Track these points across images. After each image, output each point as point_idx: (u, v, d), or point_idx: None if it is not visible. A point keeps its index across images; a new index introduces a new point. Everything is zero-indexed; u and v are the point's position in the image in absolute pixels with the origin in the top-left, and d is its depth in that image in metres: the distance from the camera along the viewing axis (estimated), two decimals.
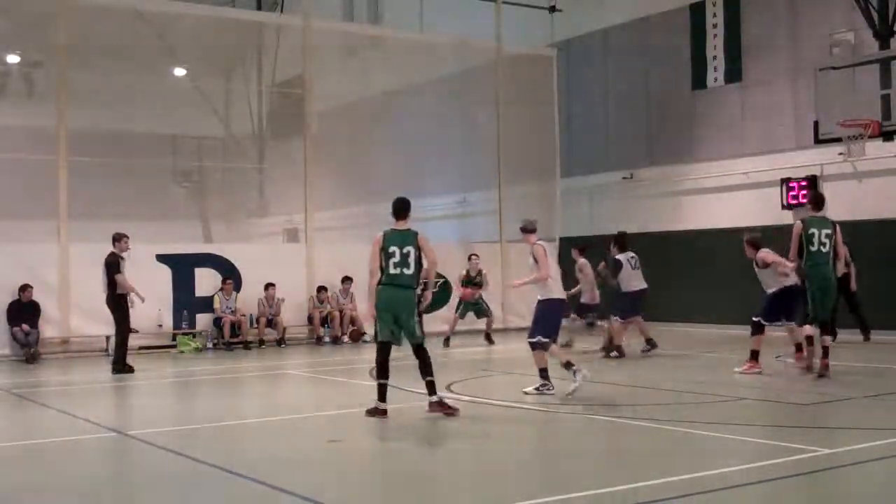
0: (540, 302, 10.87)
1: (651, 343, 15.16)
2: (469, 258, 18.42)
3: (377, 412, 9.39)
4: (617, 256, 15.12)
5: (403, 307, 9.44)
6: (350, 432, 9.04)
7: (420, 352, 9.54)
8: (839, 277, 12.09)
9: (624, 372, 13.12)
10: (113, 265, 14.34)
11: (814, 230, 11.61)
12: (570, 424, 9.34)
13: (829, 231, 11.65)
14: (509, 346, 17.43)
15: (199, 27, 20.56)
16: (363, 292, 19.91)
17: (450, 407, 9.42)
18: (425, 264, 9.55)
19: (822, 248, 11.57)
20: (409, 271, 9.41)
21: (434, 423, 9.22)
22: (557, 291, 10.86)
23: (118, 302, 14.39)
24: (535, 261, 10.77)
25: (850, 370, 12.46)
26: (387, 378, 9.42)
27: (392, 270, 9.39)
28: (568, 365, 10.53)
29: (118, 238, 14.53)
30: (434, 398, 9.47)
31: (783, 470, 6.90)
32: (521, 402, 10.33)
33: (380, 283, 9.47)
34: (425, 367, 9.47)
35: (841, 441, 7.92)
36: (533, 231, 11.01)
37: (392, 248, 9.41)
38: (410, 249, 9.44)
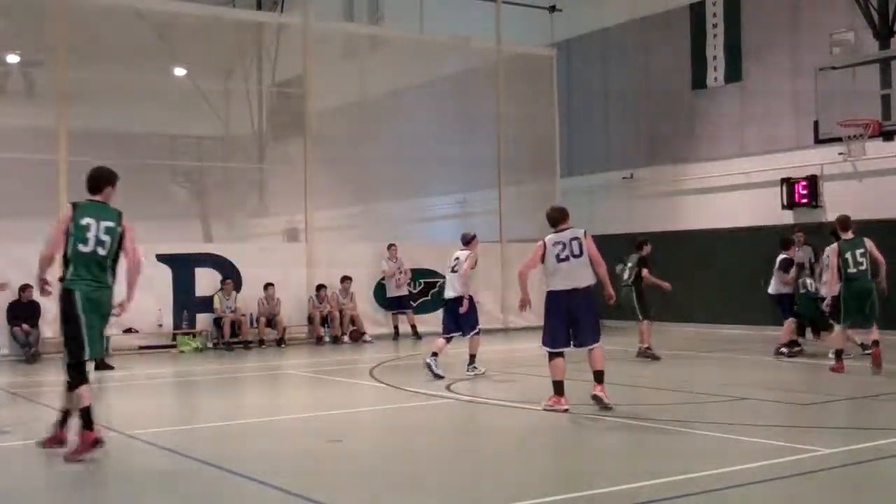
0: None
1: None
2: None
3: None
4: None
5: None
6: (350, 432, 9.04)
7: None
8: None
9: (623, 372, 13.10)
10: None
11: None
12: (570, 424, 9.33)
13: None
14: (510, 347, 17.41)
15: (199, 27, 20.53)
16: (363, 292, 20.07)
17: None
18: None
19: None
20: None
21: (434, 423, 9.21)
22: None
23: None
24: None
25: (850, 370, 12.45)
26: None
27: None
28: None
29: None
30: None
31: (784, 470, 6.90)
32: (521, 402, 10.33)
33: None
34: None
35: (841, 441, 7.92)
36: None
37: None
38: None
